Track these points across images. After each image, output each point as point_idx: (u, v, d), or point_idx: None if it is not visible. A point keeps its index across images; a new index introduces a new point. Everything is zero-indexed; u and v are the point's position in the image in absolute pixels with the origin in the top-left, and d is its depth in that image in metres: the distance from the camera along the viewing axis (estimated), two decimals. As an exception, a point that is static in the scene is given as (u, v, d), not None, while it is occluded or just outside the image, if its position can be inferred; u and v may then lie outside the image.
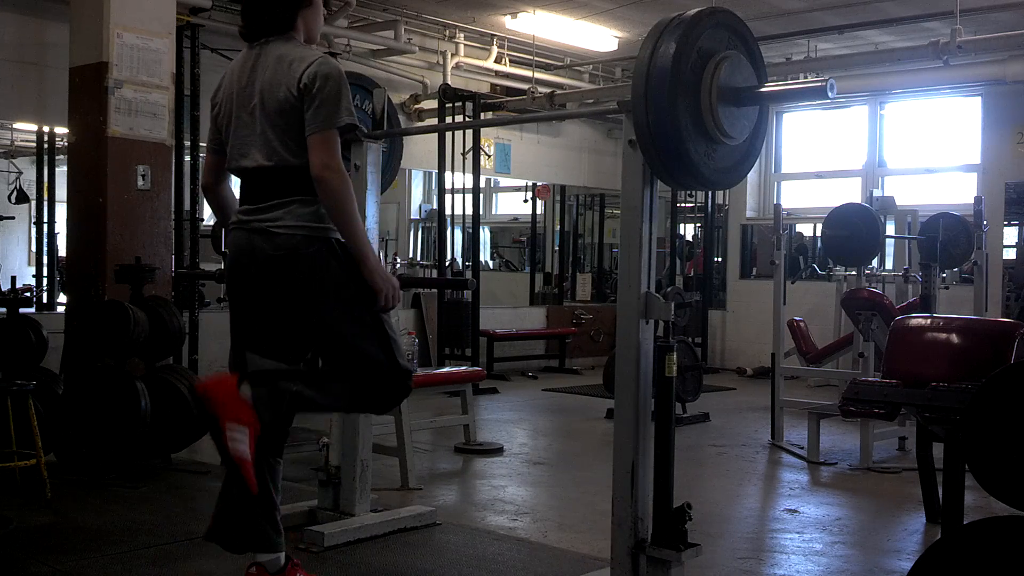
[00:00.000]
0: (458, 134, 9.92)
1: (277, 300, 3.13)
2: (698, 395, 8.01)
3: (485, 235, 15.22)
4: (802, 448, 6.65)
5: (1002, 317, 9.06)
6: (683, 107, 2.88)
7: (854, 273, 7.66)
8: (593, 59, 11.26)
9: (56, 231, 9.87)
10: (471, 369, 8.03)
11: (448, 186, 10.33)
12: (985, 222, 7.82)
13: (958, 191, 10.87)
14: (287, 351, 3.22)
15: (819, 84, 2.97)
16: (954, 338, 4.22)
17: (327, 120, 3.06)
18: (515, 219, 15.43)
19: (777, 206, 7.55)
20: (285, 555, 3.22)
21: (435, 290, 10.04)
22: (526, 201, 13.83)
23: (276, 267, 3.09)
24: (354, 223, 3.08)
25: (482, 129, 10.24)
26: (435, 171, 10.50)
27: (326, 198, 3.05)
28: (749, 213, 12.56)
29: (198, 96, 8.17)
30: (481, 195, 10.97)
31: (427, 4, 9.37)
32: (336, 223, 3.09)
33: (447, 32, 10.19)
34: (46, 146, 10.33)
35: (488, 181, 14.37)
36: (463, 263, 12.31)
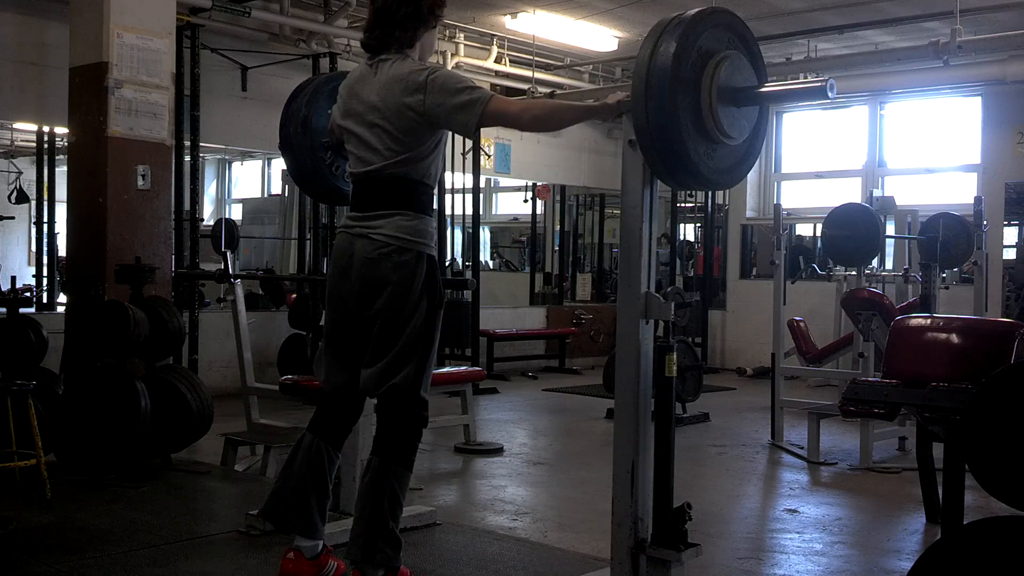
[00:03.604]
0: (458, 134, 9.90)
1: (364, 297, 3.29)
2: (698, 395, 8.01)
3: (485, 235, 15.23)
4: (802, 448, 6.65)
5: (1002, 317, 9.06)
6: (683, 107, 2.88)
7: (854, 273, 7.66)
8: (593, 59, 11.26)
9: (56, 231, 9.86)
10: (471, 369, 8.04)
11: (448, 186, 10.32)
12: (985, 222, 7.82)
13: (958, 191, 10.87)
14: (370, 355, 3.31)
15: (819, 84, 2.96)
16: (954, 338, 4.20)
17: (473, 99, 3.22)
18: (515, 219, 15.43)
19: (777, 206, 7.55)
20: (322, 543, 3.40)
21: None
22: (526, 201, 13.83)
23: (369, 267, 3.28)
24: (575, 115, 3.48)
25: (482, 129, 10.23)
26: (435, 171, 10.48)
27: (550, 129, 3.93)
28: (749, 213, 12.55)
29: (198, 96, 8.17)
30: (481, 195, 10.97)
31: (427, 4, 9.36)
32: (567, 125, 3.53)
33: (447, 32, 10.18)
34: (46, 146, 10.33)
35: (488, 181, 14.37)
36: (463, 263, 12.31)
